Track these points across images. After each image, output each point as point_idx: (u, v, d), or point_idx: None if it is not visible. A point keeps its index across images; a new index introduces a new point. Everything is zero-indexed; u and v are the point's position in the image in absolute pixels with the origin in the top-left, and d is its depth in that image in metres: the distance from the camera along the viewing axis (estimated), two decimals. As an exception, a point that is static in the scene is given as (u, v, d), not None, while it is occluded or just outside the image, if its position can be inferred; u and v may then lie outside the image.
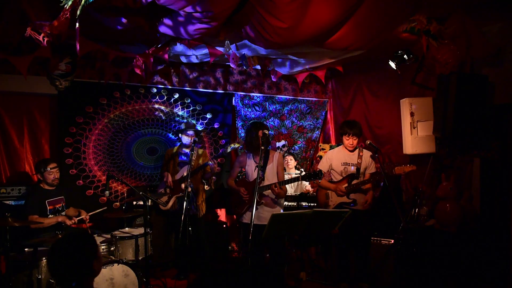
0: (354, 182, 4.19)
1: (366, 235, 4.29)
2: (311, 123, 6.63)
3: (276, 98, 6.41)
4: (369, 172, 4.29)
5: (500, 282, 3.84)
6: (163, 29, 3.74)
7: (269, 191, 3.90)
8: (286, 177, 4.08)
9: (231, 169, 4.42)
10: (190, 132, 4.68)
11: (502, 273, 3.85)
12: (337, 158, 4.36)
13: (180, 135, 4.80)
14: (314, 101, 6.66)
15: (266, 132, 3.85)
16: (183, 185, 4.49)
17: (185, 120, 5.75)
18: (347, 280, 4.28)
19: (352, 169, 4.26)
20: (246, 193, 4.01)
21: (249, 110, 6.22)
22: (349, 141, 4.26)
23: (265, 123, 5.62)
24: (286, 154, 5.71)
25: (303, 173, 5.46)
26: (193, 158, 4.53)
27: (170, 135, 5.70)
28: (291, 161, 5.58)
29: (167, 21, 3.59)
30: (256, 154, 4.03)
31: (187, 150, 4.70)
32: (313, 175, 3.72)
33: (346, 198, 4.21)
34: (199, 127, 5.82)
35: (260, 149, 3.58)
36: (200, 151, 4.86)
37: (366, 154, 4.30)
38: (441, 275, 3.89)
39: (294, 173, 5.45)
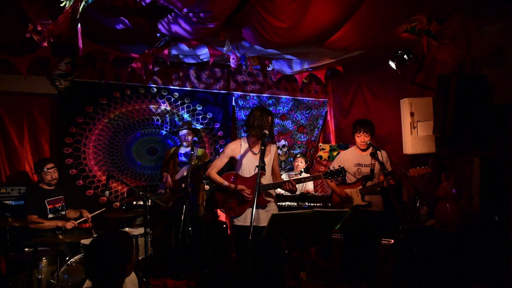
0: (369, 183, 4.16)
1: (376, 236, 4.29)
2: (311, 123, 6.63)
3: (276, 98, 6.41)
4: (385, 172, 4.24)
5: (500, 282, 3.83)
6: (163, 29, 3.74)
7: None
8: (293, 177, 3.94)
9: (217, 158, 3.77)
10: (187, 131, 4.68)
11: (502, 273, 3.85)
12: (349, 160, 4.32)
13: (178, 134, 4.79)
14: (314, 101, 6.66)
15: (273, 122, 3.59)
16: (183, 185, 4.49)
17: (185, 120, 5.75)
18: (347, 280, 4.28)
19: (366, 170, 4.23)
20: (250, 192, 3.45)
21: (249, 110, 6.21)
22: (361, 138, 4.24)
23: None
24: (298, 156, 5.62)
25: (304, 173, 5.47)
26: (193, 157, 4.53)
27: (170, 135, 5.70)
28: (302, 164, 5.55)
29: (167, 20, 3.59)
30: (257, 143, 3.59)
31: (187, 150, 4.69)
32: (335, 172, 3.49)
33: (361, 201, 4.17)
34: (199, 127, 5.82)
35: (261, 148, 3.43)
36: (200, 151, 4.86)
37: (381, 154, 4.19)
38: (441, 275, 3.89)
39: (296, 173, 5.45)
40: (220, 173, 3.72)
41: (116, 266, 1.89)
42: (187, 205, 3.91)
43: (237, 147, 3.65)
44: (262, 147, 3.39)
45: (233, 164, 3.79)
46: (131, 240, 2.05)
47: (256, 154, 3.59)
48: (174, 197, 4.57)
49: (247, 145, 3.62)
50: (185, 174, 4.44)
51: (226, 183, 3.59)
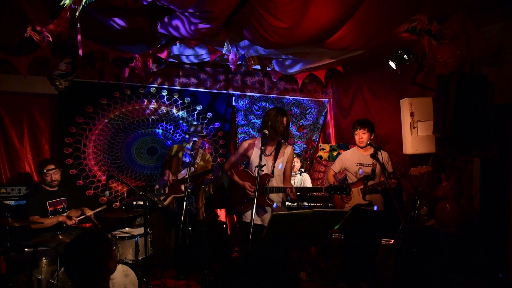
0: (370, 183, 4.15)
1: (377, 236, 4.28)
2: (311, 123, 6.63)
3: (276, 98, 6.41)
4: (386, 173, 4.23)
5: (500, 282, 3.83)
6: (163, 29, 3.74)
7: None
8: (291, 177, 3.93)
9: (233, 154, 3.89)
10: (198, 138, 4.62)
11: (501, 273, 3.85)
12: (351, 159, 4.32)
13: (188, 136, 4.74)
14: (314, 101, 6.66)
15: (288, 122, 3.56)
16: (183, 187, 4.46)
17: (195, 122, 5.73)
18: (347, 280, 4.28)
19: (367, 170, 4.22)
20: (253, 189, 3.45)
21: (249, 110, 6.22)
22: (358, 135, 4.23)
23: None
24: (294, 157, 5.58)
25: (304, 173, 5.46)
26: (197, 160, 4.51)
27: (171, 135, 5.70)
28: (297, 164, 5.52)
29: (167, 21, 3.59)
30: (270, 144, 3.60)
31: (192, 153, 4.64)
32: (339, 188, 3.43)
33: (362, 200, 4.17)
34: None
35: (261, 148, 3.43)
36: (206, 154, 4.83)
37: (382, 154, 4.17)
38: (441, 275, 3.89)
39: (295, 173, 5.44)
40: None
41: (98, 261, 1.90)
42: (187, 205, 3.91)
43: (251, 146, 3.66)
44: (263, 147, 3.40)
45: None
46: (107, 236, 2.09)
47: (269, 155, 3.60)
48: (171, 196, 4.54)
49: (260, 145, 3.60)
50: (186, 176, 4.41)
51: (235, 177, 3.67)
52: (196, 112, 5.86)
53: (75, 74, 5.04)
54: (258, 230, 3.28)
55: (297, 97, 6.52)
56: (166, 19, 3.57)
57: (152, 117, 5.61)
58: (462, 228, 3.99)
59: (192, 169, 4.50)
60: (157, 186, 4.69)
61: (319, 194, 5.36)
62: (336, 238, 4.64)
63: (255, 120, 6.22)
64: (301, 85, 6.28)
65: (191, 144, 4.50)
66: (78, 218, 4.10)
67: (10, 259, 3.33)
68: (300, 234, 3.08)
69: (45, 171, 4.11)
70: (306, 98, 6.59)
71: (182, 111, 5.79)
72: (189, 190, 4.01)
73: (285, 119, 3.51)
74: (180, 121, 5.75)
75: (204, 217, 4.71)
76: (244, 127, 6.19)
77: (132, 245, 3.99)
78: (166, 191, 4.59)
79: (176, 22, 3.55)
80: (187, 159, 4.68)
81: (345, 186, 3.42)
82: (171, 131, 5.71)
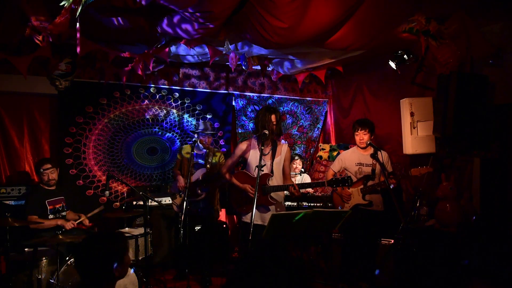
0: (370, 183, 4.14)
1: (376, 236, 4.28)
2: (311, 123, 6.63)
3: (276, 98, 6.42)
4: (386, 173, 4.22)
5: (500, 282, 3.83)
6: (163, 28, 3.74)
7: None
8: (292, 178, 3.91)
9: (229, 157, 3.90)
10: (208, 133, 4.54)
11: (502, 273, 3.85)
12: (350, 159, 4.32)
13: (196, 135, 4.62)
14: (314, 101, 6.66)
15: (279, 119, 3.53)
16: (199, 190, 4.39)
17: (199, 121, 5.71)
18: (347, 280, 4.28)
19: (367, 170, 4.22)
20: (254, 191, 3.36)
21: (249, 110, 6.22)
22: (359, 136, 4.22)
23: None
24: (296, 158, 5.55)
25: (304, 174, 5.46)
26: (209, 160, 4.47)
27: (170, 135, 5.70)
28: (299, 166, 5.51)
29: (167, 20, 3.59)
30: (265, 143, 3.56)
31: (204, 151, 4.55)
32: (341, 180, 3.44)
33: (362, 200, 4.17)
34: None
35: (260, 149, 3.42)
36: (218, 152, 4.75)
37: (382, 154, 4.13)
38: (441, 275, 3.89)
39: (296, 173, 5.45)
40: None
41: (103, 267, 1.79)
42: (187, 205, 3.90)
43: (247, 147, 3.67)
44: (262, 147, 3.44)
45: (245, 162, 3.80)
46: (124, 242, 1.93)
47: (266, 154, 3.59)
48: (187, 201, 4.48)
49: (257, 146, 3.61)
50: (200, 178, 4.39)
51: (235, 181, 3.64)
52: (196, 112, 5.86)
53: (75, 74, 5.04)
54: (259, 230, 3.28)
55: (297, 97, 6.52)
56: (166, 19, 3.57)
57: (152, 117, 5.61)
58: (462, 228, 3.99)
59: (205, 169, 4.47)
60: (170, 190, 4.63)
61: (319, 194, 5.37)
62: (336, 238, 4.63)
63: (247, 122, 6.22)
64: (301, 85, 6.28)
65: (199, 144, 4.47)
66: (77, 222, 4.09)
67: (10, 259, 3.33)
68: (300, 234, 3.08)
69: (42, 170, 4.11)
70: (306, 98, 6.59)
71: (182, 111, 5.80)
72: (201, 193, 3.98)
73: (273, 116, 3.51)
74: (180, 120, 5.75)
75: (218, 217, 4.70)
76: (243, 128, 6.20)
77: (132, 245, 3.99)
78: (182, 196, 4.50)
79: (176, 22, 3.55)
80: (199, 160, 4.56)
81: (346, 178, 3.43)
82: (171, 130, 5.71)
